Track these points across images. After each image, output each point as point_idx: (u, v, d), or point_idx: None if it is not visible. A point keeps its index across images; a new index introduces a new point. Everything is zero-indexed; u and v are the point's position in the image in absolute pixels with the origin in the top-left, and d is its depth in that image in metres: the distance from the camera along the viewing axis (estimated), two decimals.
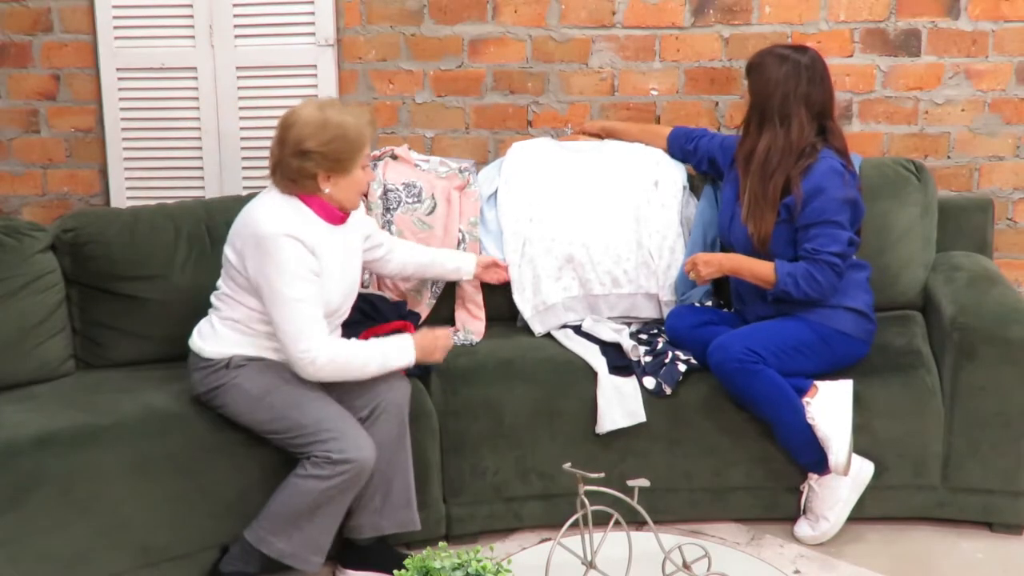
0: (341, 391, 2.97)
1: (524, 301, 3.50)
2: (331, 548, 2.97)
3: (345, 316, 3.07)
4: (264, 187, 3.00)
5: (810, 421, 3.08)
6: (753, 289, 3.25)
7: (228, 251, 2.92)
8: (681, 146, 3.60)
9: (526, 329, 3.51)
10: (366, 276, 3.52)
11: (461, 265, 3.41)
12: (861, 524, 3.23)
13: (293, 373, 2.92)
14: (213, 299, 3.00)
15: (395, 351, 2.94)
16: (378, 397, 2.97)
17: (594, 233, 3.53)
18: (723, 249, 3.43)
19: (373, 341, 2.98)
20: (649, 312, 3.56)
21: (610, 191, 3.57)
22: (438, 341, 3.02)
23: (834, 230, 3.12)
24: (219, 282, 2.99)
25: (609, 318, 3.54)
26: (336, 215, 2.93)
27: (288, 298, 2.80)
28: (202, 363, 2.95)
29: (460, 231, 3.57)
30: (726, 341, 3.13)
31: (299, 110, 2.88)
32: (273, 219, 2.83)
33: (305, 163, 2.83)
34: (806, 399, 3.11)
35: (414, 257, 3.34)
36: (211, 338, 2.95)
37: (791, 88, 3.18)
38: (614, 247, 3.52)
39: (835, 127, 3.25)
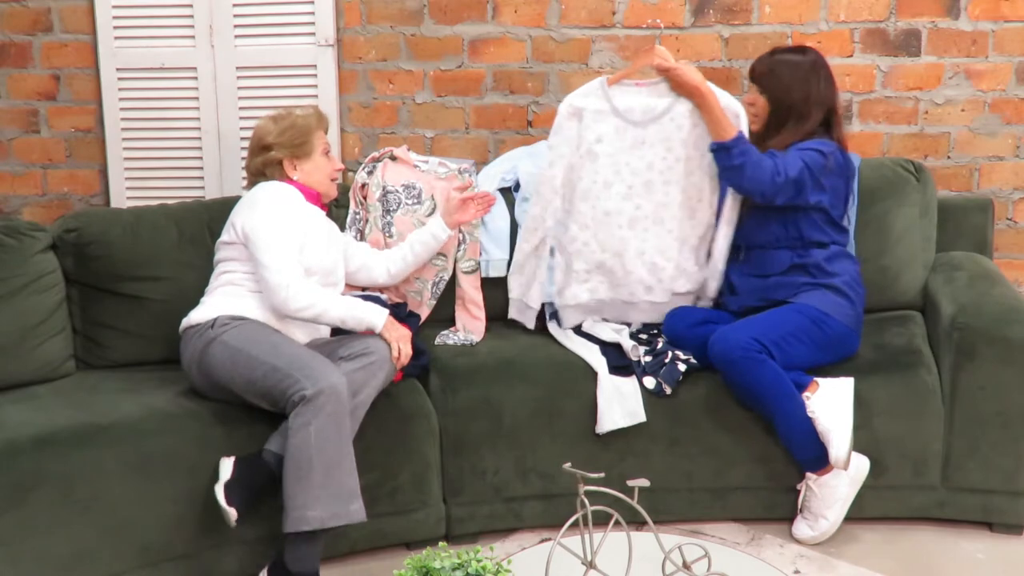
0: (325, 351, 3.07)
1: (516, 284, 3.52)
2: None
3: (339, 290, 3.25)
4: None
5: (810, 415, 3.09)
6: (747, 278, 3.33)
7: (225, 235, 3.17)
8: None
9: (526, 329, 3.52)
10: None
11: (434, 231, 3.45)
12: (861, 524, 3.23)
13: (272, 329, 3.06)
14: (209, 286, 3.19)
15: (364, 311, 3.08)
16: (366, 345, 3.04)
17: (633, 239, 3.40)
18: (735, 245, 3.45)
19: (352, 295, 3.24)
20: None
21: (668, 183, 3.38)
22: (400, 335, 3.09)
23: (800, 153, 3.23)
24: (212, 273, 3.19)
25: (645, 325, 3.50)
26: (315, 196, 3.26)
27: (272, 235, 3.06)
28: (191, 331, 3.07)
29: (460, 232, 3.57)
30: (728, 332, 3.14)
31: (257, 123, 3.29)
32: (270, 187, 3.19)
33: (269, 154, 3.22)
34: (806, 394, 3.12)
35: (392, 256, 3.46)
36: (198, 309, 3.12)
37: (810, 89, 3.30)
38: (650, 254, 3.41)
39: (838, 120, 3.37)
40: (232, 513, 2.83)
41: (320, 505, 2.82)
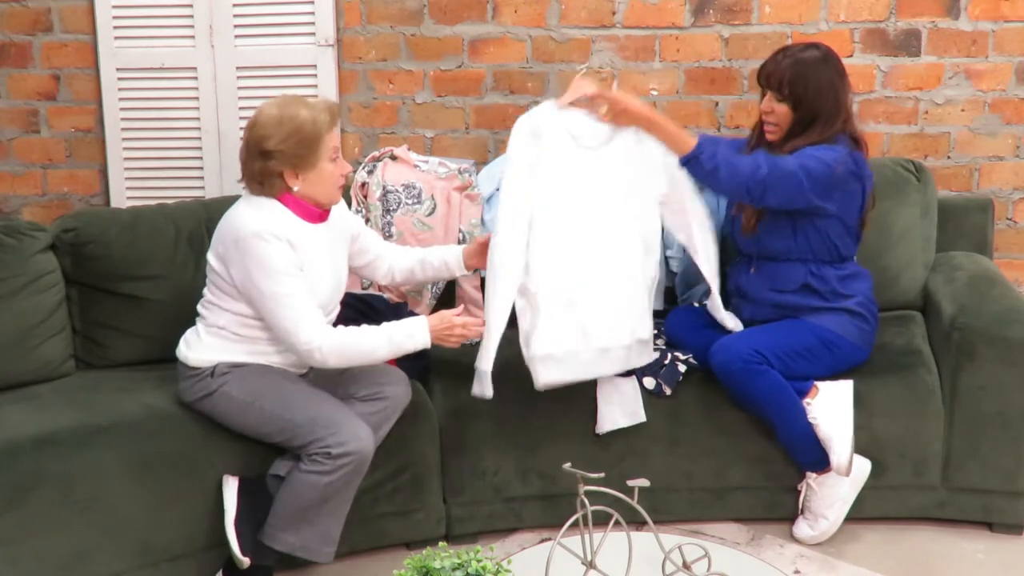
0: (336, 383, 3.00)
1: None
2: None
3: (334, 314, 3.06)
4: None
5: (811, 422, 3.08)
6: (760, 289, 3.24)
7: (211, 258, 2.93)
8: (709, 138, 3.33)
9: None
10: (366, 280, 3.52)
11: (447, 259, 3.16)
12: (861, 524, 3.23)
13: (280, 374, 2.94)
14: (199, 308, 3.01)
15: (406, 337, 2.87)
16: (381, 388, 2.99)
17: (595, 273, 3.07)
18: (727, 248, 3.36)
19: (383, 325, 2.91)
20: (642, 360, 3.18)
21: (619, 215, 3.09)
22: (453, 329, 2.91)
23: (798, 159, 3.05)
24: (204, 290, 3.00)
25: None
26: (314, 212, 2.92)
27: (278, 294, 2.81)
28: (188, 372, 2.96)
29: (460, 232, 3.56)
30: (730, 342, 3.12)
31: (260, 110, 2.88)
32: (250, 220, 2.84)
33: (268, 163, 2.83)
34: (807, 400, 3.11)
35: (401, 263, 3.18)
36: (196, 346, 2.96)
37: (839, 91, 3.15)
38: (611, 290, 3.08)
39: (851, 115, 3.24)
40: (245, 562, 2.86)
41: (300, 536, 2.87)
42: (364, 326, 2.91)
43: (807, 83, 3.13)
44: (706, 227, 3.18)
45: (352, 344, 2.85)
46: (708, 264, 3.18)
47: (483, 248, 3.10)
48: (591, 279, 3.05)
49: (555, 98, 3.07)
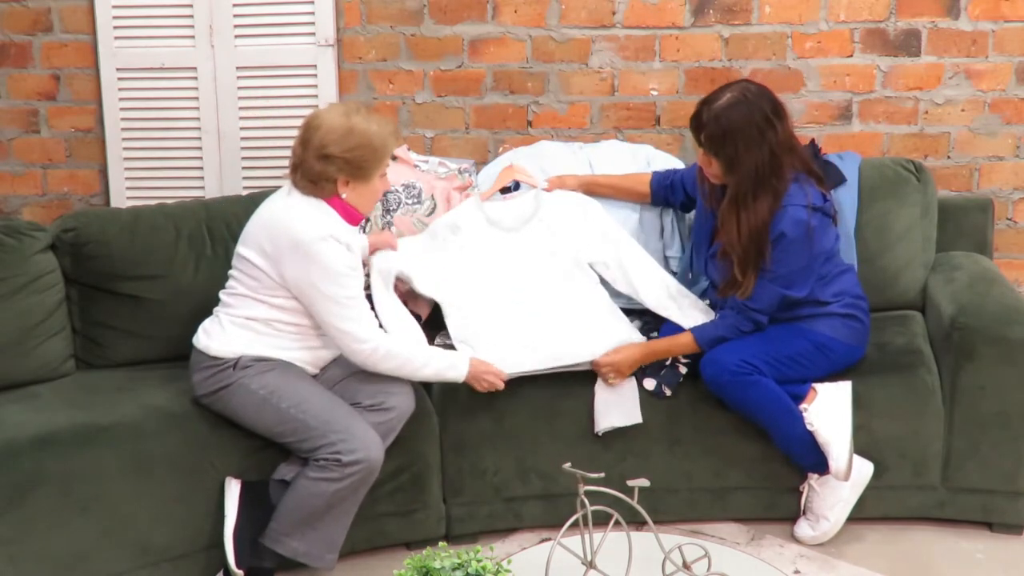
0: (343, 391, 3.00)
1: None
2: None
3: None
4: (276, 186, 3.01)
5: (809, 427, 3.07)
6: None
7: (249, 252, 2.92)
8: (662, 184, 3.41)
9: None
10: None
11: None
12: (861, 524, 3.23)
13: (299, 373, 2.95)
14: (224, 296, 3.00)
15: (449, 366, 3.01)
16: (387, 397, 2.98)
17: (539, 306, 3.29)
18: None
19: (433, 348, 3.07)
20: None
21: (550, 285, 3.32)
22: (488, 377, 3.04)
23: (773, 287, 3.07)
24: (231, 281, 2.99)
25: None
26: (355, 216, 2.98)
27: (342, 297, 2.86)
28: (207, 362, 2.94)
29: None
30: (718, 354, 3.10)
31: (325, 114, 2.93)
32: (308, 223, 2.87)
33: (327, 167, 2.87)
34: (804, 405, 3.10)
35: None
36: (219, 337, 2.95)
37: (771, 141, 2.98)
38: (566, 315, 3.27)
39: (795, 143, 3.09)
40: (240, 573, 2.87)
41: (304, 541, 2.88)
42: (417, 343, 3.04)
43: (733, 140, 2.98)
44: (650, 270, 3.32)
45: (407, 357, 2.94)
46: (663, 301, 3.29)
47: (385, 237, 3.29)
48: (534, 308, 3.26)
49: (479, 191, 3.44)
